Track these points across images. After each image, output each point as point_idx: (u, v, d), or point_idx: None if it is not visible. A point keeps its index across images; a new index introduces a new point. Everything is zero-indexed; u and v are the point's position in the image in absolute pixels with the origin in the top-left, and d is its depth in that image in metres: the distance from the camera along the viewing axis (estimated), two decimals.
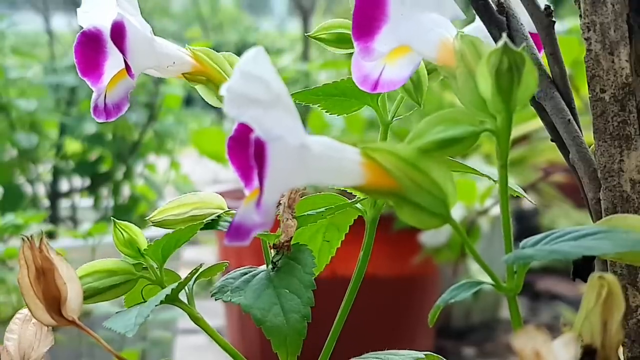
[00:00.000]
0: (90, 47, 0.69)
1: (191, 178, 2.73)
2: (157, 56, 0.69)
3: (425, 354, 0.68)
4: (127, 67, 0.67)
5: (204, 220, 0.68)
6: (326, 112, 0.72)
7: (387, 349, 0.70)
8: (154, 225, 0.70)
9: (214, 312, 2.09)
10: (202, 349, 2.35)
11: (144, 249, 0.67)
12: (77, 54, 0.69)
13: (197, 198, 0.70)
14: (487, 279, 0.54)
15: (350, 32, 0.69)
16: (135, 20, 0.67)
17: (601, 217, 0.63)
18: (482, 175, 0.69)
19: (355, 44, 0.61)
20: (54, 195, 2.44)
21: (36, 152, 2.34)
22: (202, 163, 2.96)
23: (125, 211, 2.36)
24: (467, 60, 0.55)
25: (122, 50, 0.66)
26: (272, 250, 0.68)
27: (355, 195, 0.69)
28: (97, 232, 1.70)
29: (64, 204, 2.51)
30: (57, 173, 2.44)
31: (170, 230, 0.67)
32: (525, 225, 2.88)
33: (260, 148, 0.49)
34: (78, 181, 2.50)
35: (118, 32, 0.66)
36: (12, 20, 2.40)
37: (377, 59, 0.60)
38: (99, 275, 0.66)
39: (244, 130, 0.52)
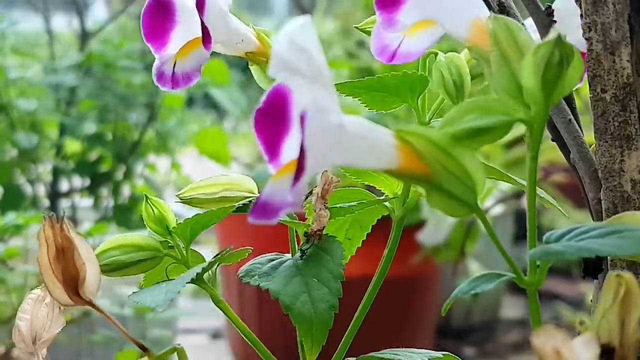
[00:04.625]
0: (159, 13, 0.68)
1: (192, 178, 2.73)
2: (229, 31, 0.69)
3: (443, 354, 0.68)
4: (205, 37, 0.66)
5: (236, 204, 0.67)
6: (366, 106, 0.70)
7: (388, 349, 0.70)
8: (182, 202, 0.69)
9: (214, 312, 2.09)
10: (202, 349, 2.34)
11: (173, 228, 0.67)
12: (145, 18, 0.68)
13: (227, 179, 0.69)
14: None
15: None
16: None
17: (602, 218, 0.63)
18: (510, 181, 0.68)
19: (378, 13, 0.59)
20: (54, 195, 2.44)
21: (36, 152, 2.34)
22: (203, 163, 2.95)
23: (125, 211, 2.36)
24: (502, 43, 0.53)
25: (202, 20, 0.65)
26: (300, 239, 0.67)
27: (383, 193, 0.69)
28: (97, 232, 1.70)
29: (64, 204, 2.51)
30: (57, 173, 2.44)
31: (196, 210, 0.66)
32: (525, 225, 2.87)
33: (300, 122, 0.47)
34: (78, 181, 2.50)
35: (201, 1, 0.65)
36: (12, 20, 2.40)
37: (400, 31, 0.59)
38: (126, 249, 0.66)
39: (273, 102, 0.50)
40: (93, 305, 0.59)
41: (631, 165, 0.63)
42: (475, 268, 2.22)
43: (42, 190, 2.45)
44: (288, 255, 0.67)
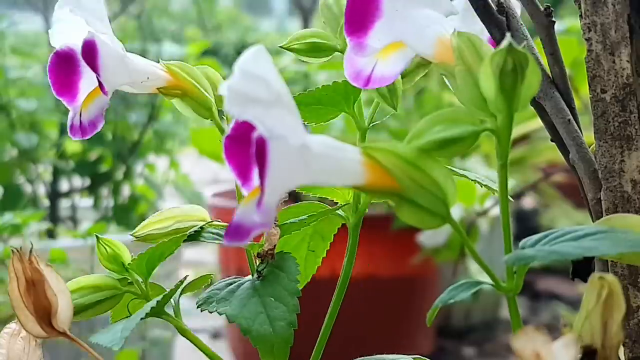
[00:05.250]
0: (64, 67, 0.69)
1: (191, 178, 2.73)
2: (130, 73, 0.69)
3: (414, 358, 0.68)
4: (101, 86, 0.67)
5: (187, 233, 0.69)
6: (304, 120, 0.71)
7: (387, 350, 0.70)
8: (137, 240, 0.70)
9: (214, 314, 2.09)
10: None
11: (128, 264, 0.68)
12: (52, 74, 0.69)
13: (179, 211, 0.71)
14: (486, 279, 0.54)
15: (323, 41, 0.69)
16: (106, 38, 0.67)
17: (601, 218, 0.63)
18: (476, 181, 0.69)
19: (347, 39, 0.60)
20: (54, 195, 2.44)
21: (36, 152, 2.34)
22: (202, 163, 2.95)
23: (125, 211, 2.36)
24: (466, 58, 0.55)
25: (94, 68, 0.67)
26: (256, 260, 0.68)
27: (337, 203, 0.69)
28: (96, 232, 1.70)
29: (64, 203, 2.51)
30: (57, 173, 2.44)
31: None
32: (525, 225, 2.88)
33: (261, 147, 0.48)
34: (78, 181, 2.51)
35: (89, 50, 0.66)
36: (12, 20, 2.40)
37: (370, 55, 0.60)
38: (84, 291, 0.66)
39: (241, 129, 0.52)
40: (67, 336, 0.59)
41: (631, 166, 0.63)
42: (475, 268, 2.22)
43: (42, 190, 2.45)
44: (248, 277, 0.68)
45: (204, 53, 2.89)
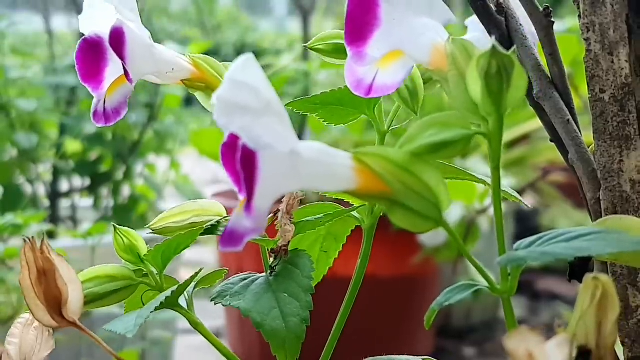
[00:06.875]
0: (91, 54, 0.70)
1: (191, 178, 2.73)
2: (156, 62, 0.70)
3: (423, 359, 0.68)
4: (126, 73, 0.68)
5: (204, 226, 0.69)
6: (324, 121, 0.71)
7: (387, 349, 0.70)
8: (154, 233, 0.71)
9: (214, 314, 2.09)
10: (202, 349, 2.35)
11: (144, 255, 0.68)
12: (79, 61, 0.70)
13: (197, 205, 0.71)
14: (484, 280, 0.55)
15: None
16: (134, 27, 0.68)
17: (601, 218, 0.63)
18: (478, 181, 0.69)
19: (347, 49, 0.61)
20: (54, 195, 2.44)
21: (36, 152, 2.34)
22: (202, 163, 2.95)
23: (125, 211, 2.36)
24: (459, 63, 0.55)
25: (121, 56, 0.67)
26: (270, 256, 0.68)
27: (352, 205, 0.69)
28: (97, 232, 1.70)
29: (64, 204, 2.51)
30: (57, 173, 2.45)
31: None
32: (525, 225, 2.88)
33: (249, 155, 0.49)
34: (78, 181, 2.51)
35: (117, 38, 0.67)
36: (12, 20, 2.40)
37: (370, 64, 0.60)
38: (100, 280, 0.67)
39: (235, 137, 0.52)
40: (77, 326, 0.59)
41: (630, 166, 0.63)
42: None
43: (42, 190, 2.45)
44: (262, 274, 0.68)
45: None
